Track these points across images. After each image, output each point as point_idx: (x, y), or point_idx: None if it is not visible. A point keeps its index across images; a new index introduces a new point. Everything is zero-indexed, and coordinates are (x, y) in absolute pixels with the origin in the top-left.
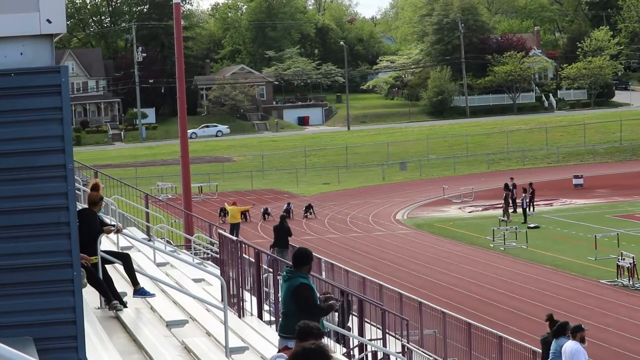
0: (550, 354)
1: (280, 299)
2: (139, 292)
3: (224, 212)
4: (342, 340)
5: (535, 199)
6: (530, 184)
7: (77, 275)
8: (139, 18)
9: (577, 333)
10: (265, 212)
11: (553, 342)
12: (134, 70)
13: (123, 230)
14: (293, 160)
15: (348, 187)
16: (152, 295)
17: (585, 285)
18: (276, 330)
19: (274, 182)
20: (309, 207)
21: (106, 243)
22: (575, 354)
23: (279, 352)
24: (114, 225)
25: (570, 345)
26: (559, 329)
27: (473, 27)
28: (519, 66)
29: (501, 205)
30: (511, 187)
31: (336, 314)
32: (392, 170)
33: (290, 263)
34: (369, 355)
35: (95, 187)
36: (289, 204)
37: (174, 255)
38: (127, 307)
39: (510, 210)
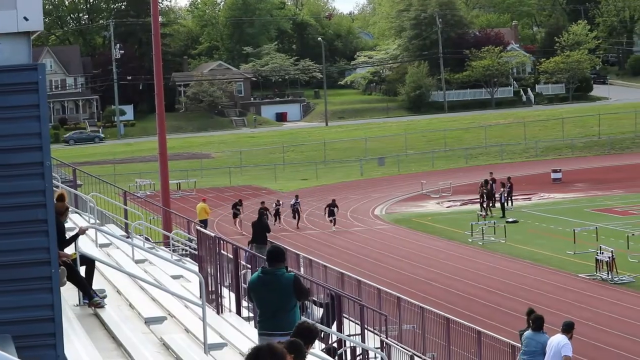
0: (528, 348)
1: (261, 298)
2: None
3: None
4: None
5: (513, 194)
6: (508, 179)
7: (55, 273)
8: (116, 15)
9: (572, 330)
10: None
11: (531, 337)
12: (112, 67)
13: (100, 227)
14: (271, 156)
15: (326, 182)
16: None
17: (564, 280)
18: (256, 328)
19: (252, 178)
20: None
21: (83, 241)
22: (565, 347)
23: None
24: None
25: (558, 339)
26: (540, 323)
27: (451, 22)
28: (497, 61)
29: (478, 200)
30: (491, 182)
31: (321, 310)
32: (370, 165)
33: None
34: (348, 351)
35: (60, 198)
36: (278, 201)
37: (153, 252)
38: (107, 304)
39: (488, 205)
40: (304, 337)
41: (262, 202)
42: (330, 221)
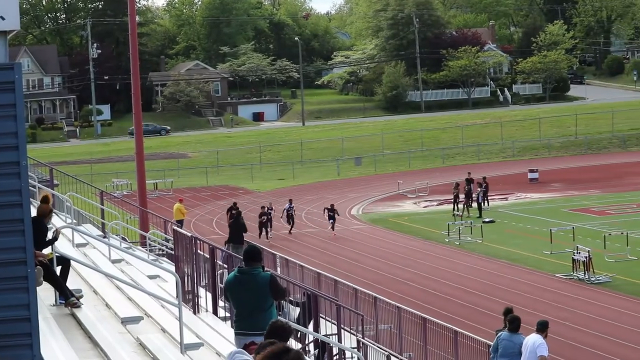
0: (506, 350)
1: (237, 297)
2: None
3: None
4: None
5: (489, 194)
6: (484, 179)
7: (31, 273)
8: (94, 15)
9: (546, 329)
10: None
11: (507, 338)
12: (89, 67)
13: (77, 227)
14: (248, 156)
15: (303, 182)
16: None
17: (541, 280)
18: (232, 327)
19: (229, 178)
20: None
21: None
22: (540, 347)
23: (243, 348)
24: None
25: (533, 339)
26: (518, 324)
27: (428, 21)
28: (474, 61)
29: (452, 201)
30: (469, 182)
31: (297, 310)
32: (347, 165)
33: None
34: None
35: (45, 200)
36: (270, 206)
37: (129, 252)
38: (83, 304)
39: (464, 205)
40: (278, 336)
41: (234, 203)
42: (331, 226)
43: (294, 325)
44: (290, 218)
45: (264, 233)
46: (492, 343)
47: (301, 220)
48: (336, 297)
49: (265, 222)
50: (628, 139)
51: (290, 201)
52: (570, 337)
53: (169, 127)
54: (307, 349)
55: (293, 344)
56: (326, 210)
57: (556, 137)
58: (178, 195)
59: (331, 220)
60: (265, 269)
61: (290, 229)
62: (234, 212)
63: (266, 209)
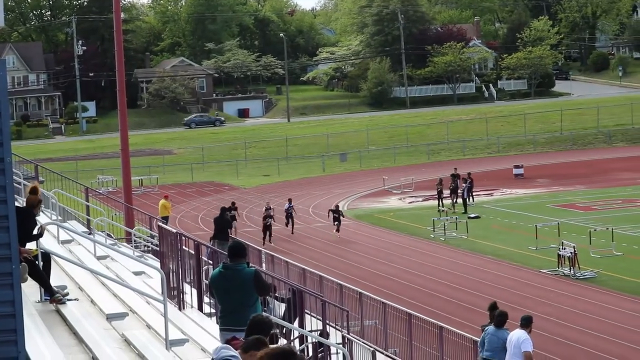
0: (489, 345)
1: (222, 293)
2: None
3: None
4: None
5: (474, 189)
6: (469, 174)
7: (15, 269)
8: (79, 11)
9: (530, 324)
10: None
11: (493, 333)
12: (74, 64)
13: (62, 223)
14: (233, 153)
15: (288, 178)
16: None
17: (527, 275)
18: (217, 323)
19: (215, 174)
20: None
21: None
22: (524, 343)
23: (225, 343)
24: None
25: (517, 334)
26: (504, 320)
27: (413, 17)
28: (459, 57)
29: (437, 197)
30: (456, 178)
31: (283, 306)
32: (332, 161)
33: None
34: (310, 346)
35: (34, 191)
36: (269, 206)
37: (114, 249)
38: (68, 299)
39: (450, 201)
40: (258, 331)
41: (233, 203)
42: (336, 228)
43: (279, 321)
44: (289, 217)
45: (266, 235)
46: (477, 339)
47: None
48: (321, 293)
49: (269, 225)
50: (613, 135)
51: (290, 200)
52: (555, 332)
53: (222, 118)
54: (291, 344)
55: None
56: (330, 212)
57: (541, 133)
58: (163, 192)
59: (336, 222)
60: (250, 264)
61: (292, 229)
62: (232, 212)
63: (268, 210)
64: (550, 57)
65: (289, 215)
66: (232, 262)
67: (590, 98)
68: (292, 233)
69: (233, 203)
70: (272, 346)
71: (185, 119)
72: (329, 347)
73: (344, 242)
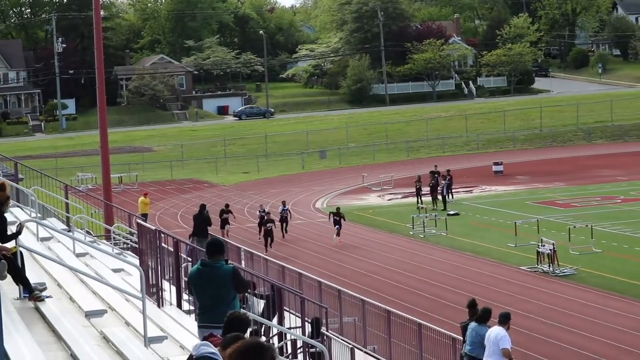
0: (469, 340)
1: (200, 290)
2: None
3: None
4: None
5: (453, 186)
6: (448, 171)
7: None
8: (59, 9)
9: (508, 321)
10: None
11: (473, 328)
12: (54, 61)
13: (42, 221)
14: (213, 150)
15: (267, 175)
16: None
17: (506, 272)
18: (196, 320)
19: (194, 171)
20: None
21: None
22: (502, 340)
23: (203, 340)
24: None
25: (495, 331)
26: (484, 316)
27: (392, 15)
28: (439, 54)
29: (415, 194)
30: (436, 175)
31: (262, 303)
32: (311, 158)
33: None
34: (288, 343)
35: (1, 187)
36: (262, 208)
37: (94, 246)
38: (47, 297)
39: (430, 198)
40: (235, 328)
41: (227, 205)
42: (336, 232)
43: (258, 318)
44: (283, 221)
45: (267, 242)
46: (456, 336)
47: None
48: (300, 290)
49: (270, 230)
50: (593, 132)
51: (284, 203)
52: (535, 329)
53: (272, 110)
54: (270, 342)
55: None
56: (331, 215)
57: (521, 130)
58: (143, 189)
59: (337, 226)
60: (229, 262)
61: (284, 232)
62: (224, 215)
63: (267, 214)
64: (530, 54)
65: (283, 218)
66: (210, 259)
67: (569, 95)
68: (283, 237)
69: (227, 205)
70: (240, 341)
71: (236, 110)
72: (308, 343)
73: (324, 240)
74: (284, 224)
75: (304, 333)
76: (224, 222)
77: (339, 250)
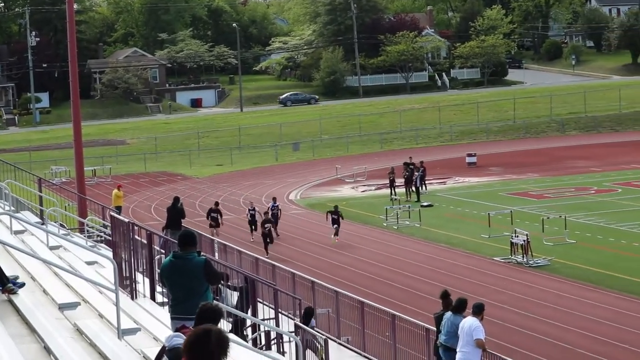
0: (445, 330)
1: (173, 282)
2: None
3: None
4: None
5: (427, 178)
6: (421, 163)
7: None
8: (32, 3)
9: (482, 312)
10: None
11: (448, 318)
12: (28, 55)
13: (15, 214)
14: (186, 142)
15: (241, 168)
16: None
17: (480, 263)
18: (169, 312)
19: (167, 164)
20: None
21: None
22: (476, 330)
23: (175, 332)
24: None
25: (469, 322)
26: (460, 306)
27: (365, 7)
28: (412, 46)
29: (388, 185)
30: (411, 167)
31: (236, 295)
32: (285, 151)
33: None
34: (262, 335)
35: None
36: (252, 206)
37: (67, 239)
38: (20, 289)
39: (405, 189)
40: (207, 319)
41: (217, 203)
42: (335, 232)
43: (231, 310)
44: (274, 218)
45: (267, 243)
46: (429, 326)
47: (239, 205)
48: (274, 282)
49: (269, 231)
50: (566, 123)
51: (274, 200)
52: (508, 319)
53: (317, 96)
54: (244, 333)
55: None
56: (329, 215)
57: (494, 122)
58: (116, 182)
59: (335, 225)
60: (201, 253)
61: (276, 231)
62: (213, 214)
63: (266, 214)
64: (503, 46)
65: (273, 215)
66: (183, 251)
67: (543, 86)
68: (277, 235)
69: (217, 203)
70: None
71: (281, 97)
72: (281, 335)
73: (299, 232)
74: (275, 222)
75: (277, 324)
76: (214, 222)
77: (312, 242)
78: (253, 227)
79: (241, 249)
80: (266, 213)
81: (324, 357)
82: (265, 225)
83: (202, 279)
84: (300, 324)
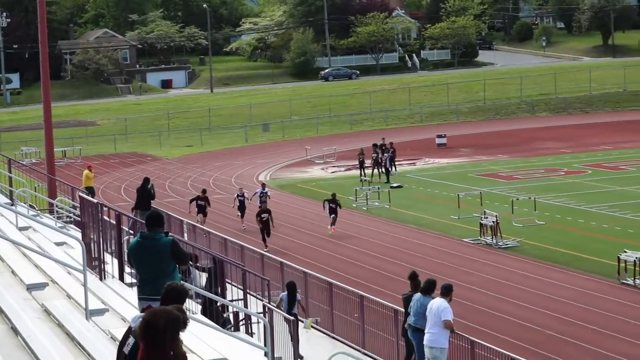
0: (413, 311)
1: (140, 262)
2: None
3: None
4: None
5: (397, 159)
6: (391, 144)
7: None
8: None
9: (450, 293)
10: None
11: (417, 299)
12: None
13: None
14: (156, 123)
15: (211, 149)
16: None
17: (449, 244)
18: (137, 293)
19: (137, 145)
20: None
21: None
22: (444, 311)
23: (142, 312)
24: None
25: (437, 303)
26: (429, 287)
27: None
28: (382, 27)
29: (358, 166)
30: (383, 147)
31: (204, 276)
32: (255, 131)
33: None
34: (231, 316)
35: None
36: (241, 191)
37: (37, 220)
38: None
39: (372, 170)
40: (173, 299)
41: (204, 190)
42: (332, 222)
43: (200, 291)
44: (262, 204)
45: (264, 235)
46: (398, 307)
47: (209, 187)
48: (242, 263)
49: (266, 220)
50: (536, 105)
51: (264, 185)
52: (477, 301)
53: (357, 72)
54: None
55: (199, 309)
56: (327, 203)
57: (464, 103)
58: (87, 163)
59: (332, 215)
60: (169, 234)
61: (272, 221)
62: (200, 202)
63: (264, 203)
64: (474, 27)
65: (262, 202)
66: (150, 232)
67: (513, 68)
68: (273, 226)
69: (204, 191)
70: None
71: (323, 72)
72: (249, 316)
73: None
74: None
75: (245, 305)
76: (200, 210)
77: (283, 223)
78: (243, 212)
79: (210, 230)
80: (264, 202)
81: (311, 323)
82: (262, 216)
83: (169, 260)
84: (271, 306)
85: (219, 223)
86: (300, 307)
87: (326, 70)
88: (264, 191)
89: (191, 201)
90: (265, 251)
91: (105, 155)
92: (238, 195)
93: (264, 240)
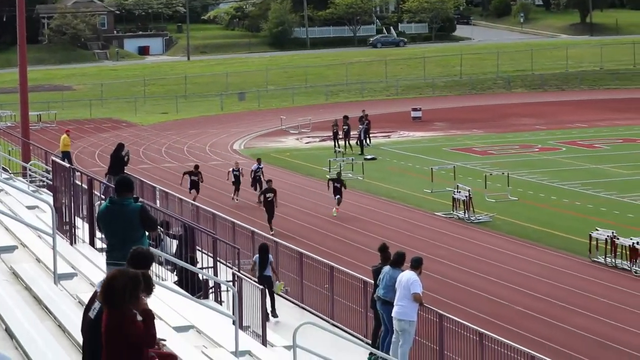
0: (383, 283)
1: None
2: None
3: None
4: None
5: (371, 131)
6: (366, 116)
7: None
8: None
9: (420, 266)
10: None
11: (387, 272)
12: None
13: None
14: (133, 90)
15: (186, 116)
16: None
17: (421, 217)
18: (105, 258)
19: (113, 111)
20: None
21: None
22: (413, 284)
23: None
24: None
25: (407, 275)
26: (399, 260)
27: None
28: None
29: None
30: (362, 118)
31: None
32: (230, 100)
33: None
34: (201, 284)
35: None
36: (237, 166)
37: (9, 183)
38: None
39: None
40: (138, 264)
41: (196, 166)
42: (337, 202)
43: (170, 258)
44: (256, 181)
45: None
46: (367, 279)
47: (183, 154)
48: (214, 231)
49: (270, 201)
50: (512, 80)
51: (259, 161)
52: (448, 275)
53: (405, 39)
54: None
55: (169, 276)
56: (331, 183)
57: (441, 77)
58: (62, 127)
59: (337, 196)
60: (139, 199)
61: (259, 196)
62: (193, 177)
63: (269, 182)
64: (452, 2)
65: (255, 178)
66: (119, 197)
67: (490, 43)
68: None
69: (197, 166)
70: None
71: (372, 39)
72: (219, 284)
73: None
74: (257, 185)
75: (215, 273)
76: (193, 185)
77: (253, 192)
78: (237, 188)
79: (222, 214)
80: (269, 181)
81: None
82: (267, 195)
83: (137, 225)
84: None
85: (212, 199)
86: (272, 269)
87: (375, 37)
88: (260, 167)
89: (184, 174)
90: (270, 234)
91: (80, 121)
92: (233, 170)
93: (269, 222)
